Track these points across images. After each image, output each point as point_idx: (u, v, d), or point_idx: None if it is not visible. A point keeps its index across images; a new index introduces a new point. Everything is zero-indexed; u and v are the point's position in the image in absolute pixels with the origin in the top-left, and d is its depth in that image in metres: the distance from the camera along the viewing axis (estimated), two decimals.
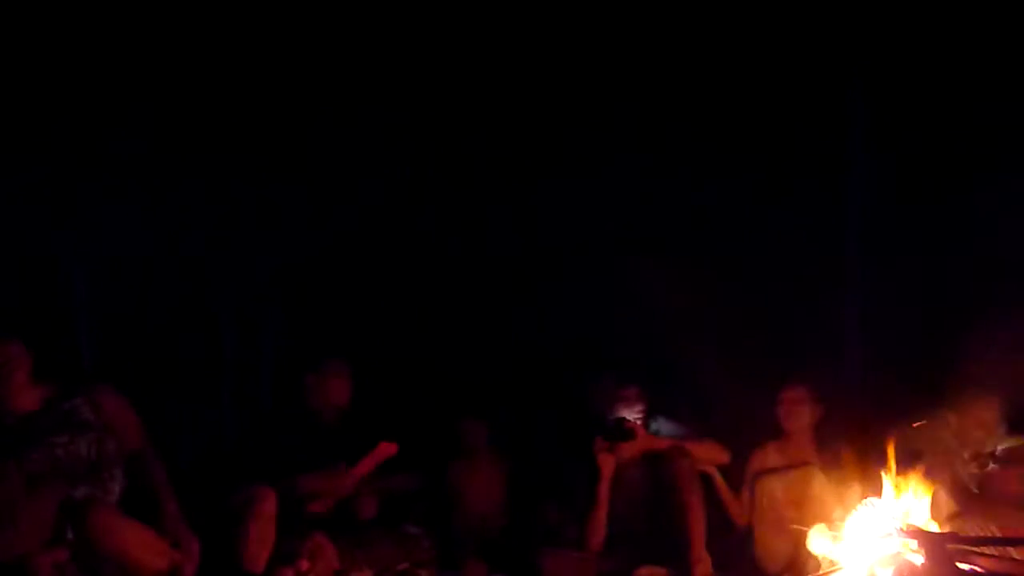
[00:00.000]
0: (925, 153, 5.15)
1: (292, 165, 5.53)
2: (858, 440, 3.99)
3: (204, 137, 5.38)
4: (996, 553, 3.37)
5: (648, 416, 4.61)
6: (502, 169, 5.58)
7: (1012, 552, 3.48)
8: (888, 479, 3.63)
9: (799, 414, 4.53)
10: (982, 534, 3.93)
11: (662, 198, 5.46)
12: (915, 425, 4.22)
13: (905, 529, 3.44)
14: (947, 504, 4.09)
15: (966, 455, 4.37)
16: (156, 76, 5.24)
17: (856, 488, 3.73)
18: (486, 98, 5.51)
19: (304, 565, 3.90)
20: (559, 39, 5.36)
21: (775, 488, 4.44)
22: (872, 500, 3.58)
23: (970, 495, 4.23)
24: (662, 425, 4.64)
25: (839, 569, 3.52)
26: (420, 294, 5.70)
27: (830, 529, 3.65)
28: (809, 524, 3.79)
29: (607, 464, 4.47)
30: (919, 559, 3.33)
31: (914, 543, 3.37)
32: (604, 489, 4.45)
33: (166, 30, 5.16)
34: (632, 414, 4.56)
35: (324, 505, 4.19)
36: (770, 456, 4.57)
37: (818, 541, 3.57)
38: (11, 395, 3.62)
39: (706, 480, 4.51)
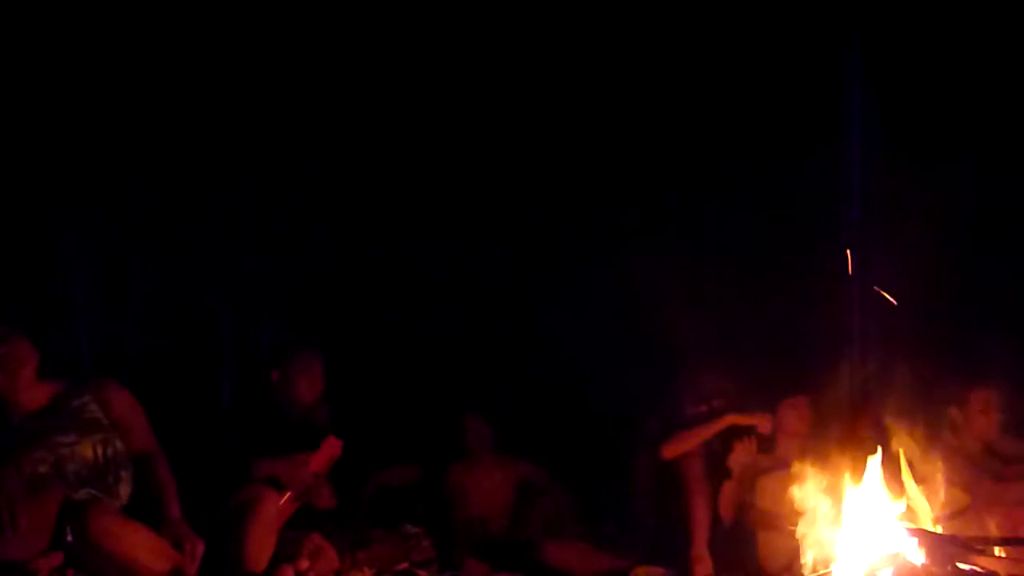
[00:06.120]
0: (927, 147, 5.14)
1: (294, 161, 5.53)
2: (855, 440, 3.99)
3: (204, 136, 5.37)
4: (996, 553, 3.38)
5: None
6: (509, 165, 5.59)
7: (1012, 552, 3.48)
8: (887, 478, 3.65)
9: (799, 421, 4.56)
10: (982, 533, 3.94)
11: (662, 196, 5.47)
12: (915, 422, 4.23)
13: (905, 529, 3.46)
14: (949, 502, 4.10)
15: (968, 450, 4.39)
16: (156, 74, 5.23)
17: (854, 488, 3.73)
18: (483, 94, 5.51)
19: (304, 565, 3.89)
20: (544, 39, 5.36)
21: (775, 489, 4.45)
22: (871, 500, 3.60)
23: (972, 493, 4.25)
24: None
25: (839, 569, 3.53)
26: (424, 291, 5.70)
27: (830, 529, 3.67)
28: (808, 525, 3.80)
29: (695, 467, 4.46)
30: (919, 559, 3.34)
31: (914, 543, 3.38)
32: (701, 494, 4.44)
33: (169, 27, 5.16)
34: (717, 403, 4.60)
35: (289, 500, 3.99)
36: (759, 458, 4.58)
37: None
38: (17, 392, 3.57)
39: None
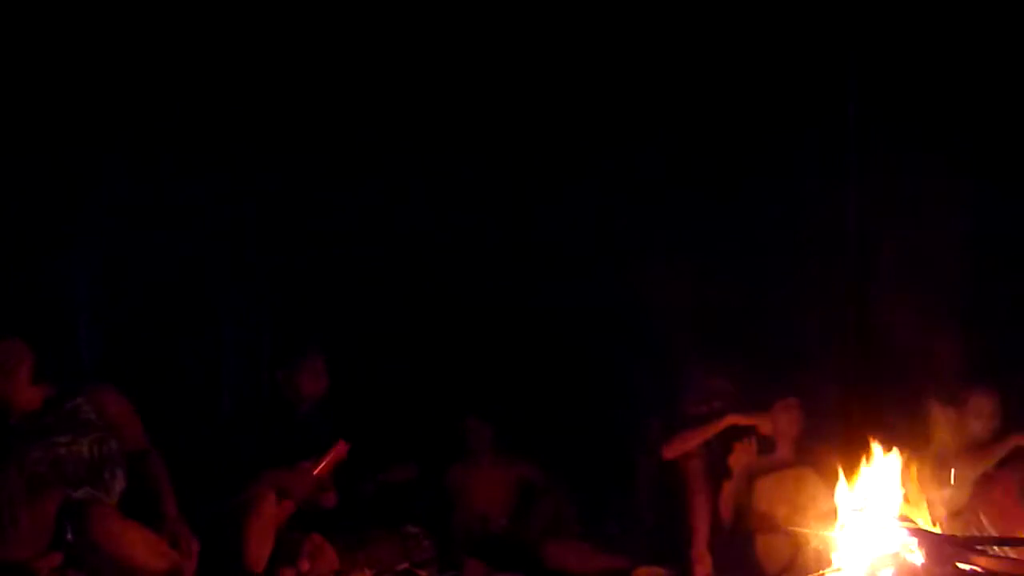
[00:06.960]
0: (929, 149, 5.14)
1: (294, 161, 5.53)
2: (852, 441, 3.99)
3: (204, 136, 5.37)
4: (996, 553, 3.38)
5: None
6: (505, 164, 5.59)
7: (1012, 552, 3.48)
8: (884, 479, 3.65)
9: (792, 422, 4.57)
10: (982, 533, 3.95)
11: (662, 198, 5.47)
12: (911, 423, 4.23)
13: (905, 529, 3.46)
14: (946, 502, 4.10)
15: (965, 450, 4.39)
16: (156, 74, 5.24)
17: (852, 489, 3.73)
18: (493, 101, 5.52)
19: (304, 566, 3.90)
20: (552, 47, 5.37)
21: (772, 490, 4.45)
22: (870, 500, 3.60)
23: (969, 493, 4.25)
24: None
25: (838, 569, 3.53)
26: (426, 291, 5.70)
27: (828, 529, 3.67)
28: (807, 525, 3.80)
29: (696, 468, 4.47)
30: (919, 559, 3.34)
31: (914, 543, 3.38)
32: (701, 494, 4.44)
33: (168, 30, 5.16)
34: (719, 404, 4.59)
35: (287, 506, 4.03)
36: (758, 459, 4.58)
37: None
38: (13, 393, 3.59)
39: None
